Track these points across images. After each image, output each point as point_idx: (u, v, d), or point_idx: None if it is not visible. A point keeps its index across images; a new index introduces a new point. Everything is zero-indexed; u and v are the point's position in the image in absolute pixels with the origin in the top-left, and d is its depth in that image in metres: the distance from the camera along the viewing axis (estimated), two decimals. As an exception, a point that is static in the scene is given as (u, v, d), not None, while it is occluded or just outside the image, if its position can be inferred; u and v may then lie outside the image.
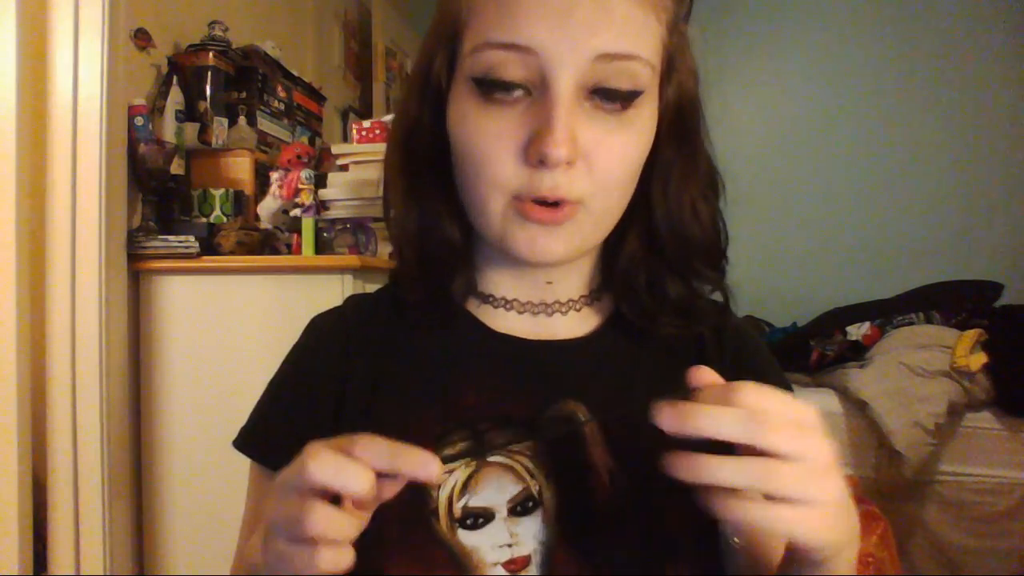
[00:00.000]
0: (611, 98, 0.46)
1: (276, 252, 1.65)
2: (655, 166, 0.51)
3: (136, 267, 1.59)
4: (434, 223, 0.53)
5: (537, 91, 0.45)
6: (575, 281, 0.56)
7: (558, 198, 0.46)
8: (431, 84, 0.51)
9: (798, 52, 3.22)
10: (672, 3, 0.48)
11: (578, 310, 0.56)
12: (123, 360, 1.57)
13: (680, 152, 0.52)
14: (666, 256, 0.53)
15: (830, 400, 2.15)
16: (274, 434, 0.55)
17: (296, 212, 1.61)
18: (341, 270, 1.51)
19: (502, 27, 0.44)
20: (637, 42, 0.45)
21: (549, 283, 0.55)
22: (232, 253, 1.56)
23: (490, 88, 0.46)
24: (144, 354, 1.61)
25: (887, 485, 2.03)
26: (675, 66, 0.50)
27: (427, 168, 0.53)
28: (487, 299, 0.57)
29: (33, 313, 1.47)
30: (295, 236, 1.62)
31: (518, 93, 0.46)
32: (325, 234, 1.60)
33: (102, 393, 1.50)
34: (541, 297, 0.56)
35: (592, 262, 0.57)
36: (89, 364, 1.50)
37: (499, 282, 0.56)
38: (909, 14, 3.05)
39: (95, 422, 1.50)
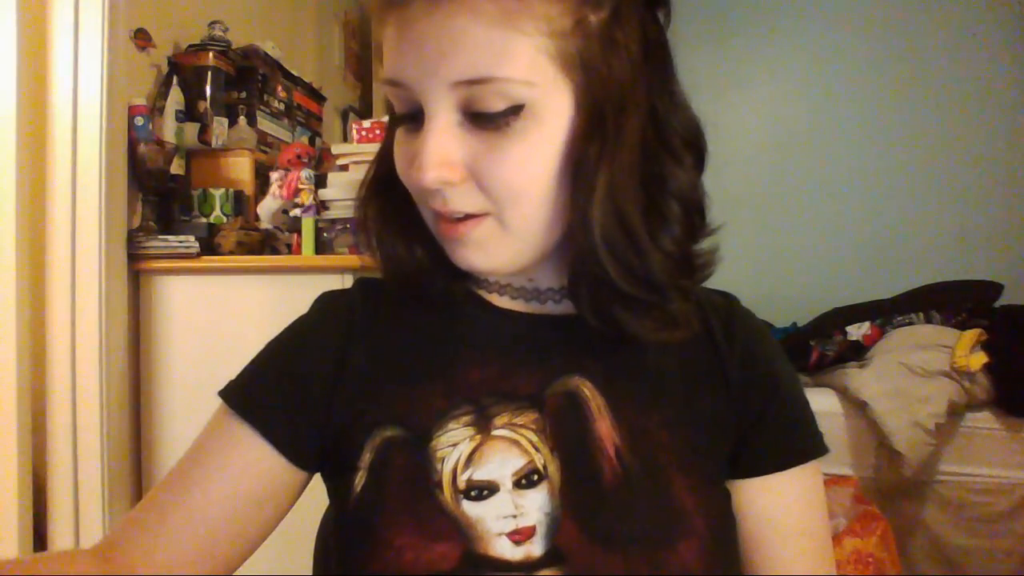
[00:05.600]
0: (483, 118, 0.46)
1: (276, 252, 1.65)
2: (576, 171, 0.47)
3: (136, 267, 1.59)
4: (391, 244, 0.56)
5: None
6: (553, 275, 0.56)
7: (452, 212, 0.48)
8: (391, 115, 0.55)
9: (797, 53, 3.22)
10: (553, 8, 0.44)
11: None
12: (123, 360, 1.57)
13: (605, 152, 0.46)
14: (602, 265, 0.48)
15: (830, 400, 2.15)
16: (260, 393, 0.54)
17: (296, 212, 1.61)
18: (341, 270, 1.51)
19: (387, 64, 0.48)
20: (495, 64, 0.44)
21: (530, 280, 0.56)
22: (232, 253, 1.56)
23: (397, 119, 0.50)
24: (144, 354, 1.61)
25: (887, 485, 2.03)
26: (590, 63, 0.46)
27: (387, 192, 0.56)
28: (482, 284, 0.58)
29: (33, 313, 1.47)
30: (295, 236, 1.62)
31: (419, 122, 0.48)
32: (325, 234, 1.60)
33: (102, 393, 1.50)
34: (535, 285, 0.56)
35: (564, 256, 0.52)
36: (89, 364, 1.50)
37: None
38: (908, 14, 3.05)
39: (95, 422, 1.50)
